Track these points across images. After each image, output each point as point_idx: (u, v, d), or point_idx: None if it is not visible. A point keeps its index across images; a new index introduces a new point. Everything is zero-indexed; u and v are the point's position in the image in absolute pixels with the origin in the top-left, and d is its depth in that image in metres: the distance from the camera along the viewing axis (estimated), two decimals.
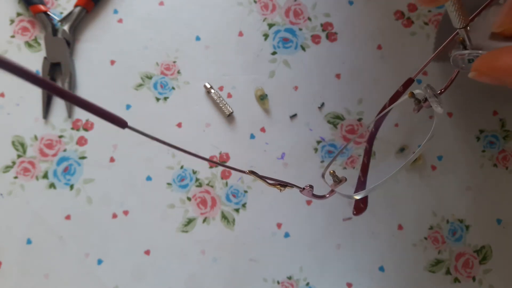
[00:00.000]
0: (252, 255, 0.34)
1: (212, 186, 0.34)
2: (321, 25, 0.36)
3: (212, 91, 0.35)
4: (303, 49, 0.32)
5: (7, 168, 0.34)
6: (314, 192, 0.23)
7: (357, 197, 0.24)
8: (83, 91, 0.36)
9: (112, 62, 0.36)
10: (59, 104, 0.35)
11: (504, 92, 0.34)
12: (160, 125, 0.35)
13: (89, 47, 0.36)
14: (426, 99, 0.22)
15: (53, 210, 0.34)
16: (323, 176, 0.24)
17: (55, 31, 0.35)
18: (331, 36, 0.35)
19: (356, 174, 0.35)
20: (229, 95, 0.35)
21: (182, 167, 0.35)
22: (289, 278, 0.34)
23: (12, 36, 0.36)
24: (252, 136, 0.35)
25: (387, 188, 0.35)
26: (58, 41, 0.35)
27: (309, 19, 0.30)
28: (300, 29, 0.32)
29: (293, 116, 0.35)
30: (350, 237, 0.34)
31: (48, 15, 0.36)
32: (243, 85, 0.36)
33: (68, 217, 0.34)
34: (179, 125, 0.35)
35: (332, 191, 0.24)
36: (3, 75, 0.36)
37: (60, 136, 0.35)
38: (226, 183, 0.35)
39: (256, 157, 0.35)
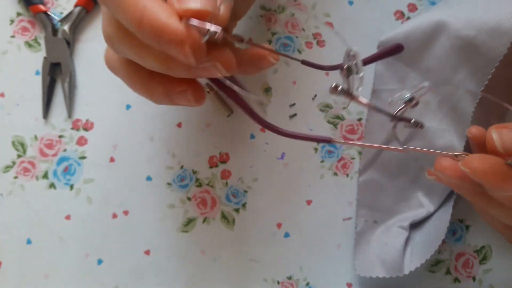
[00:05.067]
0: (252, 255, 0.34)
1: (212, 186, 0.34)
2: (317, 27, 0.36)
3: (212, 91, 0.35)
4: (299, 52, 0.36)
5: (7, 168, 0.34)
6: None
7: None
8: (83, 91, 0.36)
9: None
10: (59, 104, 0.35)
11: None
12: (160, 125, 0.35)
13: (89, 47, 0.36)
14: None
15: (53, 210, 0.34)
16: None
17: (55, 31, 0.35)
18: (321, 43, 0.37)
19: (349, 182, 0.35)
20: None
21: (182, 167, 0.35)
22: (289, 278, 0.34)
23: (12, 36, 0.36)
24: (252, 136, 0.35)
25: None
26: (58, 41, 0.35)
27: (303, 29, 0.36)
28: (296, 37, 0.36)
29: (293, 116, 0.36)
30: (350, 237, 0.34)
31: (48, 15, 0.36)
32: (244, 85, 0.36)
33: (68, 217, 0.34)
34: (179, 125, 0.35)
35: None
36: (2, 75, 0.36)
37: (60, 136, 0.35)
38: (226, 183, 0.35)
39: (256, 157, 0.35)
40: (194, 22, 0.19)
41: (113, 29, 0.22)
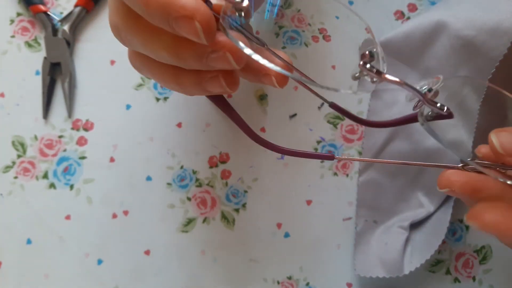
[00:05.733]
0: (252, 255, 0.34)
1: (212, 186, 0.34)
2: (318, 29, 0.37)
3: None
4: (306, 45, 0.36)
5: (7, 168, 0.34)
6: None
7: None
8: (83, 91, 0.36)
9: (112, 62, 0.36)
10: (59, 104, 0.35)
11: None
12: (160, 125, 0.35)
13: (89, 47, 0.36)
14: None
15: (53, 210, 0.34)
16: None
17: (55, 31, 0.35)
18: (327, 38, 0.37)
19: (349, 182, 0.35)
20: (229, 95, 0.36)
21: (182, 167, 0.35)
22: (289, 278, 0.34)
23: (12, 36, 0.36)
24: None
25: None
26: (58, 41, 0.35)
27: (309, 24, 0.37)
28: (303, 31, 0.37)
29: (293, 116, 0.36)
30: (350, 237, 0.34)
31: (48, 15, 0.36)
32: (243, 85, 0.36)
33: (68, 217, 0.34)
34: (179, 125, 0.35)
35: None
36: (2, 75, 0.36)
37: (60, 136, 0.35)
38: (226, 183, 0.35)
39: (256, 157, 0.35)
40: None
41: (120, 18, 0.21)
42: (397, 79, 0.20)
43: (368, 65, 0.19)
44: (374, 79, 0.20)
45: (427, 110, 0.22)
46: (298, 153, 0.23)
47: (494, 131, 0.22)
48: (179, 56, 0.20)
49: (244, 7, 0.19)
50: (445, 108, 0.21)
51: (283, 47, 0.36)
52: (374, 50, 0.20)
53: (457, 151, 0.22)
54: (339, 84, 0.36)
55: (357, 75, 0.20)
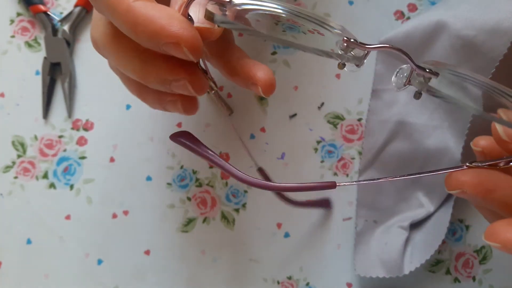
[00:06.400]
0: (252, 255, 0.34)
1: (212, 186, 0.34)
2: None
3: (212, 91, 0.35)
4: (304, 33, 0.36)
5: (7, 168, 0.34)
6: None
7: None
8: (83, 91, 0.36)
9: None
10: (59, 104, 0.35)
11: None
12: (160, 125, 0.35)
13: (89, 47, 0.36)
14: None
15: (53, 210, 0.34)
16: None
17: (55, 31, 0.35)
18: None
19: (348, 181, 0.35)
20: (229, 95, 0.36)
21: (182, 167, 0.35)
22: (289, 278, 0.34)
23: (12, 36, 0.36)
24: (252, 136, 0.35)
25: None
26: (58, 41, 0.35)
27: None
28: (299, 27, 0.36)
29: (293, 116, 0.36)
30: (350, 237, 0.34)
31: (48, 15, 0.36)
32: None
33: (68, 217, 0.34)
34: (179, 125, 0.35)
35: None
36: (2, 75, 0.36)
37: (60, 136, 0.35)
38: (226, 183, 0.35)
39: (256, 157, 0.35)
40: None
41: (99, 35, 0.22)
42: (382, 44, 0.20)
43: (352, 40, 0.20)
44: (358, 61, 0.20)
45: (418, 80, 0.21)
46: (297, 188, 0.23)
47: (501, 110, 0.21)
48: (145, 79, 0.22)
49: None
50: (435, 73, 0.21)
51: (273, 53, 0.36)
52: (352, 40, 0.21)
53: (471, 104, 0.20)
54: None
55: (340, 52, 0.20)
